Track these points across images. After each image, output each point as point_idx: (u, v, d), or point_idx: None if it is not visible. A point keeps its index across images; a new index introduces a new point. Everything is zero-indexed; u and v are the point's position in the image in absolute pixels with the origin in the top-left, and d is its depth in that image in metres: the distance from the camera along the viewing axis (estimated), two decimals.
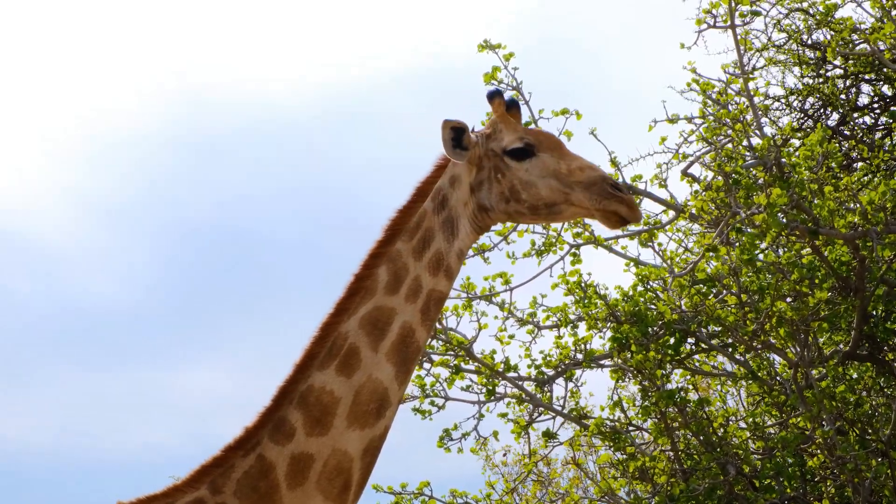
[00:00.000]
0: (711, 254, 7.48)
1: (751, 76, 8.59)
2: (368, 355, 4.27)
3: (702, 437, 7.66)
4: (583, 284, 8.21)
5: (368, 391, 4.23)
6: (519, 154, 4.55)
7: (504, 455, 12.25)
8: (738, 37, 8.40)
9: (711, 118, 8.24)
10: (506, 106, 4.75)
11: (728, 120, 7.94)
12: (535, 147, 4.59)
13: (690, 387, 8.32)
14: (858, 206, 7.07)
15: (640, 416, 8.06)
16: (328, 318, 4.35)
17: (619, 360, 7.91)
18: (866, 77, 9.76)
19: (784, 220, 6.90)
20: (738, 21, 8.32)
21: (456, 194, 4.55)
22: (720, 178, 7.26)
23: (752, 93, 8.52)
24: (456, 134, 4.57)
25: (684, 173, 7.96)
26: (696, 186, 7.80)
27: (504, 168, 4.57)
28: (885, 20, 8.59)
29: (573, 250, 8.29)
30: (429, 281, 4.43)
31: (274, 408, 4.23)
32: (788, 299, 7.51)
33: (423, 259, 4.44)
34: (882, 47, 8.64)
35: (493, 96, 4.75)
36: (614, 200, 4.49)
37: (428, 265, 4.44)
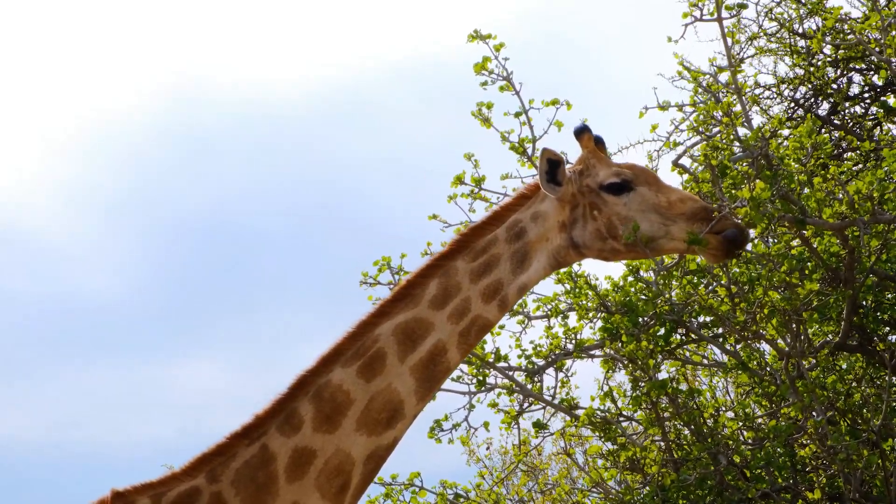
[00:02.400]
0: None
1: (739, 69, 8.56)
2: (393, 364, 4.20)
3: (693, 428, 7.66)
4: (573, 275, 8.19)
5: (383, 400, 4.17)
6: (616, 189, 4.44)
7: (487, 448, 12.24)
8: (726, 29, 8.36)
9: (702, 105, 8.21)
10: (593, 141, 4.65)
11: (717, 113, 7.91)
12: (632, 181, 4.47)
13: (681, 377, 8.31)
14: (845, 195, 7.06)
15: (630, 406, 8.05)
16: (367, 318, 4.30)
17: (611, 350, 7.89)
18: (857, 67, 9.75)
19: (770, 212, 6.87)
20: (724, 14, 8.29)
21: (536, 229, 4.44)
22: (706, 168, 7.23)
23: (739, 85, 8.49)
24: (550, 167, 4.47)
25: (675, 164, 7.93)
26: (685, 178, 7.78)
27: (601, 204, 4.45)
28: (871, 12, 8.57)
29: None
30: (479, 306, 4.33)
31: (289, 397, 4.19)
32: (779, 290, 7.50)
33: (479, 283, 4.34)
34: (869, 37, 8.63)
35: (582, 132, 4.62)
36: (721, 222, 4.38)
37: (483, 290, 4.34)
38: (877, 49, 8.49)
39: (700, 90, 8.32)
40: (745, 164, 7.36)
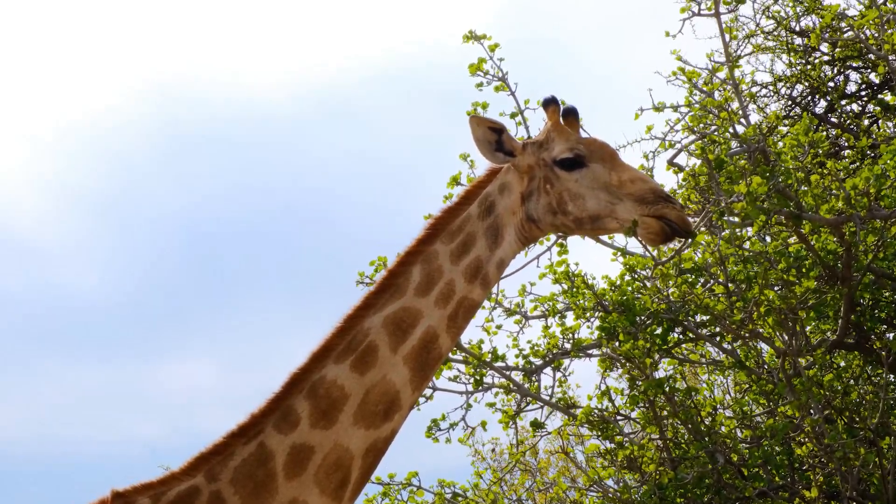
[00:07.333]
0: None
1: (736, 64, 8.55)
2: (386, 355, 4.18)
3: (690, 426, 7.65)
4: (570, 274, 8.17)
5: (379, 392, 4.16)
6: (569, 164, 4.41)
7: (493, 449, 12.22)
8: (724, 25, 8.36)
9: (697, 106, 8.21)
10: (562, 113, 4.57)
11: (714, 108, 7.90)
12: (585, 157, 4.43)
13: (679, 376, 8.29)
14: (842, 191, 7.05)
15: (628, 405, 8.04)
16: (353, 312, 4.28)
17: (608, 350, 7.88)
18: (853, 64, 9.74)
19: (766, 207, 6.86)
20: (722, 9, 8.29)
21: (504, 202, 4.42)
22: (703, 162, 7.21)
23: (737, 81, 8.48)
24: (497, 136, 4.46)
25: (670, 163, 7.92)
26: (681, 176, 7.76)
27: (554, 179, 4.43)
28: (868, 9, 8.56)
29: (560, 240, 8.25)
30: (463, 287, 4.31)
31: (283, 395, 4.18)
32: (776, 288, 7.49)
33: (460, 264, 4.33)
34: (867, 34, 8.62)
35: (549, 104, 4.57)
36: (661, 206, 4.34)
37: (465, 271, 4.32)
38: (874, 46, 8.47)
39: (695, 90, 8.30)
40: (741, 159, 7.34)
